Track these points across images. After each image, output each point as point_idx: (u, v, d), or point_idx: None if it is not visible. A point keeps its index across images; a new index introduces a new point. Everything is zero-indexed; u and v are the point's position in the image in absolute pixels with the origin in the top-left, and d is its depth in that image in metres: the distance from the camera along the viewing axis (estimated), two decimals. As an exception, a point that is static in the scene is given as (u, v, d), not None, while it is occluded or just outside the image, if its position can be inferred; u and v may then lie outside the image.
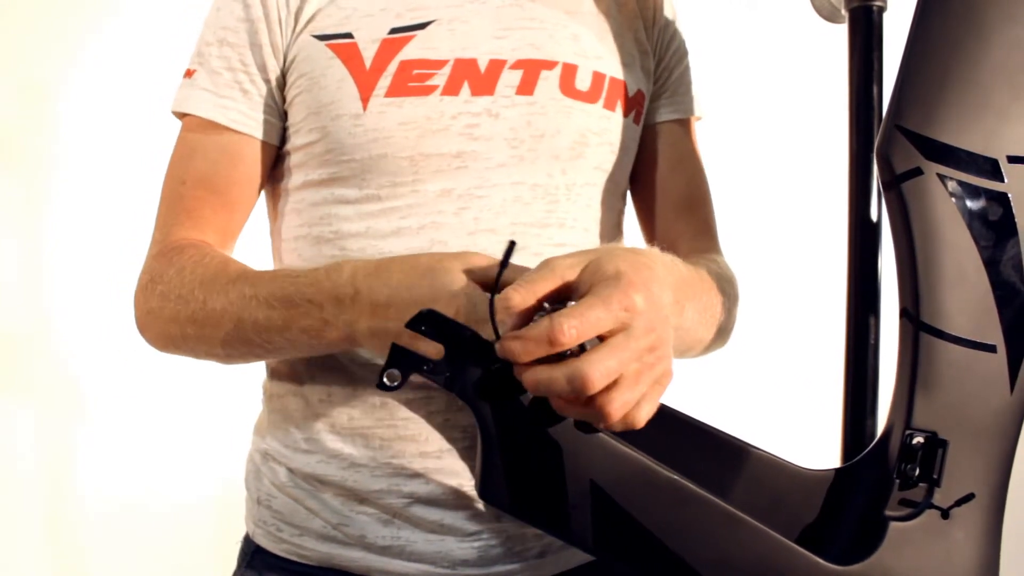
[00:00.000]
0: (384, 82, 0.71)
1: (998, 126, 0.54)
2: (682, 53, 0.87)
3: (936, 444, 0.55)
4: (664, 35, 0.86)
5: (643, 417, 0.52)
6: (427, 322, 0.54)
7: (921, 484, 0.55)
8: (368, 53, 0.71)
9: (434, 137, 0.71)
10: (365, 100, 0.71)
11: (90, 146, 1.64)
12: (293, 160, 0.76)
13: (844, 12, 0.88)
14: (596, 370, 0.48)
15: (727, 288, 0.73)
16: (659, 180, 0.85)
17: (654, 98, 0.85)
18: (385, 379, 0.54)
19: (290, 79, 0.75)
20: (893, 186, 0.55)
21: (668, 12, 0.87)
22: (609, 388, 0.50)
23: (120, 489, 1.67)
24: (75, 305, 1.64)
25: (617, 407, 0.50)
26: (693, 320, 0.65)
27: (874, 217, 0.85)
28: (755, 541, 0.53)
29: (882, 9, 0.86)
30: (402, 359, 0.54)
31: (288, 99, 0.75)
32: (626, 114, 0.79)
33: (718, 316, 0.70)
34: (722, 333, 0.73)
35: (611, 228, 0.80)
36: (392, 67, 0.71)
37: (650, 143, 0.85)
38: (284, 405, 0.75)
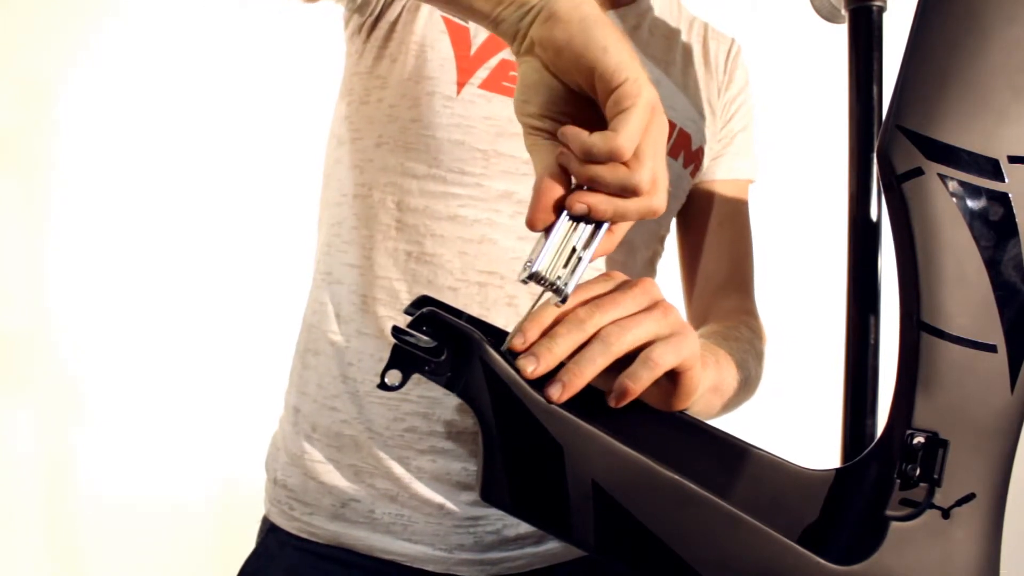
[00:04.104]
0: (482, 73, 0.73)
1: (999, 126, 0.54)
2: (748, 120, 0.91)
3: (937, 444, 0.55)
4: (734, 103, 0.89)
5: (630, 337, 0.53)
6: (429, 323, 0.54)
7: (922, 484, 0.55)
8: (477, 40, 0.74)
9: (510, 139, 0.73)
10: (460, 85, 0.73)
11: (90, 146, 1.65)
12: (373, 94, 0.77)
13: (844, 12, 0.88)
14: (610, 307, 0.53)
15: (744, 352, 0.74)
16: (708, 234, 0.88)
17: (714, 156, 0.88)
18: (386, 379, 0.54)
19: (399, 23, 0.76)
20: (894, 186, 0.55)
21: (740, 80, 0.90)
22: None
23: (119, 489, 1.67)
24: (75, 305, 1.64)
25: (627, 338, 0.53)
26: (712, 378, 0.66)
27: (874, 217, 0.85)
28: (756, 541, 0.53)
29: (882, 9, 0.86)
30: (403, 359, 0.54)
31: (385, 33, 0.77)
32: (685, 166, 0.83)
33: (734, 378, 0.70)
34: (745, 387, 0.73)
35: (642, 265, 0.84)
36: (493, 61, 0.74)
37: (704, 198, 0.88)
38: (319, 363, 0.78)
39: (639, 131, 0.48)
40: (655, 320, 0.54)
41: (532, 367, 0.52)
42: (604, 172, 0.49)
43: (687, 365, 0.55)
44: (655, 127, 0.49)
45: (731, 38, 0.91)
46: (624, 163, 0.49)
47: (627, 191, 0.49)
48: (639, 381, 0.53)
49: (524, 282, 0.52)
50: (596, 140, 0.48)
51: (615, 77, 0.48)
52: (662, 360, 0.53)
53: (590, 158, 0.48)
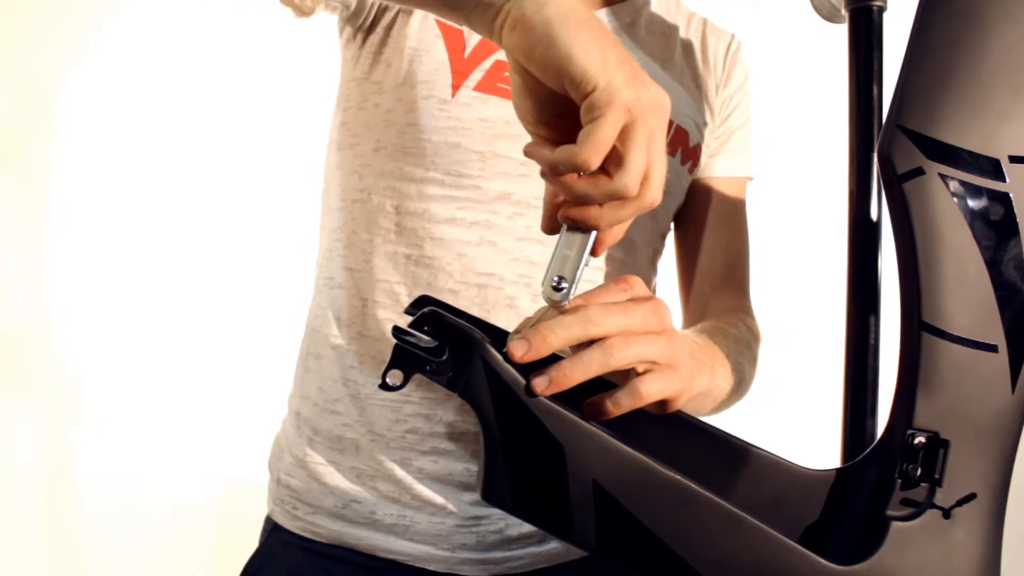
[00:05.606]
0: (477, 75, 0.73)
1: (999, 126, 0.55)
2: (746, 117, 0.90)
3: (938, 444, 0.55)
4: (732, 100, 0.88)
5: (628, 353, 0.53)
6: (430, 323, 0.54)
7: (923, 484, 0.55)
8: (471, 43, 0.74)
9: (507, 141, 0.73)
10: (456, 88, 0.73)
11: (90, 146, 1.64)
12: (369, 99, 0.78)
13: (844, 12, 0.88)
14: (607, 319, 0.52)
15: (740, 355, 0.74)
16: (705, 232, 0.88)
17: (711, 153, 0.87)
18: (388, 379, 0.54)
19: (394, 28, 0.76)
20: (895, 186, 0.55)
21: (739, 77, 0.89)
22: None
23: (119, 489, 1.67)
24: (75, 305, 1.64)
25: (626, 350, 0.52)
26: (705, 383, 0.65)
27: (874, 217, 0.85)
28: (756, 541, 0.53)
29: (882, 9, 0.86)
30: (405, 359, 0.54)
31: (380, 38, 0.77)
32: (683, 163, 0.83)
33: (728, 382, 0.70)
34: (737, 390, 0.73)
35: (644, 264, 0.83)
36: (487, 63, 0.74)
37: (702, 195, 0.88)
38: (320, 367, 0.79)
39: (607, 139, 0.46)
40: (659, 347, 0.54)
41: (522, 351, 0.51)
42: (586, 186, 0.48)
43: (672, 397, 0.55)
44: (639, 127, 0.47)
45: (731, 34, 0.90)
46: (608, 171, 0.48)
47: (615, 199, 0.48)
48: (619, 407, 0.54)
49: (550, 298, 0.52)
50: (560, 156, 0.47)
51: (583, 87, 0.46)
52: (648, 393, 0.54)
53: (559, 173, 0.48)
